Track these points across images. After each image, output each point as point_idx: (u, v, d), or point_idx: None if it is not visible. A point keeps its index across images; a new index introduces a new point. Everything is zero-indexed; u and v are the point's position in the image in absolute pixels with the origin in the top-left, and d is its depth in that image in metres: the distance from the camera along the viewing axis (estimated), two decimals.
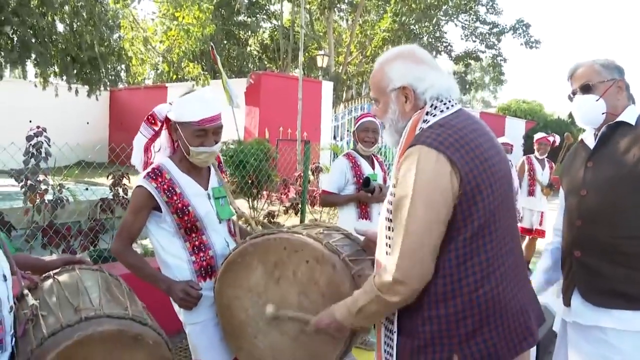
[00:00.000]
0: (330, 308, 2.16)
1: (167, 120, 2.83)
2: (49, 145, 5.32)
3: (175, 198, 2.67)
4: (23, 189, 5.20)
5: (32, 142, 5.25)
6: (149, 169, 2.73)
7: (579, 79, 2.75)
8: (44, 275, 2.34)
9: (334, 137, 19.65)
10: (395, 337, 2.00)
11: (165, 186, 2.67)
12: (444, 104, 2.01)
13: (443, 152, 1.84)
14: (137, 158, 2.86)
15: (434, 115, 1.98)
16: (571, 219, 2.73)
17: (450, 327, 1.90)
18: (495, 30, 33.47)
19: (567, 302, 2.73)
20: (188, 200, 2.70)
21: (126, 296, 2.20)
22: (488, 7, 33.20)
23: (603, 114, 2.65)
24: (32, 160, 5.23)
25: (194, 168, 2.81)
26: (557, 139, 8.71)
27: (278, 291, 2.42)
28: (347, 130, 18.77)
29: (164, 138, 2.91)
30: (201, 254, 2.74)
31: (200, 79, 19.41)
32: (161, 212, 2.70)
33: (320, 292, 2.31)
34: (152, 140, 2.85)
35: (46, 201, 5.30)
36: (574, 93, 2.77)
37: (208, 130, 2.68)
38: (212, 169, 2.92)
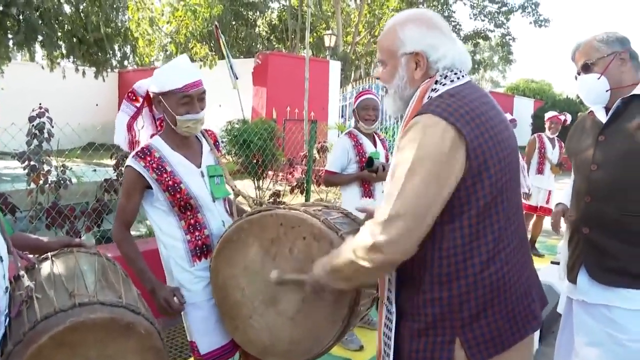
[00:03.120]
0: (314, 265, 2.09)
1: (147, 97, 2.79)
2: (52, 126, 5.32)
3: (165, 176, 2.63)
4: (26, 170, 5.21)
5: (34, 123, 5.24)
6: (137, 149, 2.69)
7: (579, 59, 2.69)
8: (42, 256, 2.33)
9: (342, 117, 19.58)
10: (394, 318, 1.94)
11: (154, 165, 2.63)
12: (455, 74, 1.92)
13: (452, 123, 1.73)
14: (120, 137, 2.80)
15: (443, 85, 1.89)
16: (579, 194, 2.67)
17: (453, 310, 1.82)
18: (504, 9, 33.31)
19: (573, 279, 2.68)
20: (180, 177, 2.65)
21: (121, 283, 2.18)
22: None
23: (607, 91, 2.58)
24: (35, 141, 5.23)
25: (185, 145, 2.76)
26: (569, 118, 8.59)
27: (274, 269, 2.37)
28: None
29: (145, 116, 2.86)
30: (196, 233, 2.70)
31: (207, 60, 19.31)
32: (153, 190, 2.66)
33: None
34: (134, 117, 2.80)
35: (49, 182, 5.30)
36: (578, 73, 2.71)
37: (193, 96, 2.62)
38: (207, 146, 2.87)
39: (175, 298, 2.64)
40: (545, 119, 8.51)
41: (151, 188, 2.65)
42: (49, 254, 2.32)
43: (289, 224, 2.35)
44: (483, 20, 34.10)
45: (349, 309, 2.25)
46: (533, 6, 32.70)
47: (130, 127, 2.81)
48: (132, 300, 2.08)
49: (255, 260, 2.45)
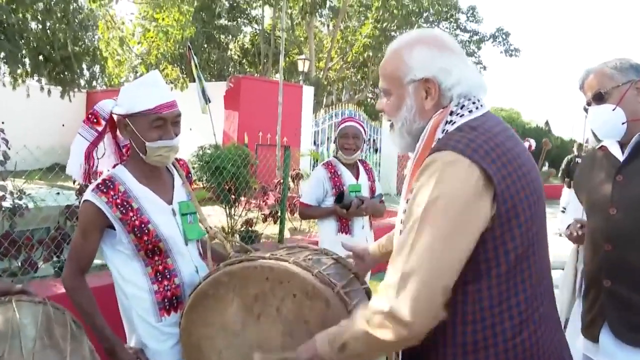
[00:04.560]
0: (313, 338, 1.72)
1: (111, 120, 2.41)
2: (8, 148, 4.91)
3: (131, 214, 2.25)
4: None
5: None
6: (98, 180, 2.30)
7: (590, 88, 2.42)
8: None
9: (314, 143, 19.35)
10: None
11: (118, 200, 2.25)
12: (473, 103, 1.63)
13: (477, 161, 1.45)
14: (74, 166, 2.39)
15: (461, 116, 1.60)
16: (597, 241, 2.38)
17: None
18: (475, 38, 33.93)
19: (593, 337, 2.37)
20: (147, 216, 2.28)
21: (69, 339, 1.80)
22: (468, 15, 33.79)
23: (623, 123, 2.32)
24: None
25: (154, 177, 2.39)
26: (533, 143, 8.51)
27: (258, 331, 2.00)
28: (328, 137, 18.51)
29: (107, 142, 2.47)
30: (165, 282, 2.32)
31: (178, 82, 18.96)
32: (115, 230, 2.28)
33: (310, 332, 1.82)
34: (94, 144, 2.39)
35: (2, 209, 4.86)
36: (588, 104, 2.45)
37: (167, 119, 2.27)
38: (178, 179, 2.50)
39: None
40: None
41: (113, 228, 2.26)
42: None
43: (276, 279, 1.96)
44: None
45: None
46: (504, 36, 33.45)
47: (88, 156, 2.39)
48: None
49: (235, 320, 2.06)
